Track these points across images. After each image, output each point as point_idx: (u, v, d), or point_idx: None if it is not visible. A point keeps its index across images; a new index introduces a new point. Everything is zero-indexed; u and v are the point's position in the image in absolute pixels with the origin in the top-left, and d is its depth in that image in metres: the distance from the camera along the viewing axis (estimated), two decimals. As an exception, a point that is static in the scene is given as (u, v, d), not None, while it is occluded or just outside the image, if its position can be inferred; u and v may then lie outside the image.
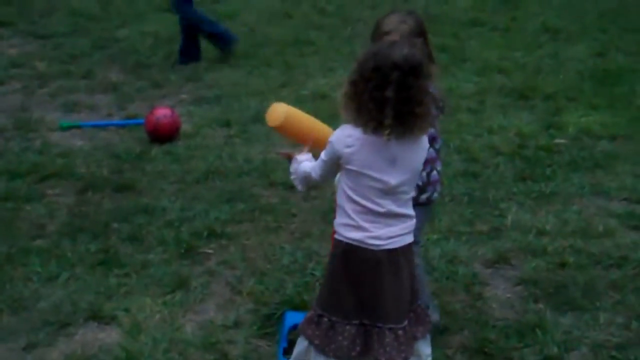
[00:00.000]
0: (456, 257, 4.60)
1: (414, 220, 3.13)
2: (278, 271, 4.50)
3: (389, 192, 3.00)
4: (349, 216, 3.04)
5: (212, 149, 6.43)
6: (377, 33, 3.53)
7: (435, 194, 3.69)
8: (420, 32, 3.52)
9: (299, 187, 3.33)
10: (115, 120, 7.26)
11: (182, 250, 4.71)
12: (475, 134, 6.64)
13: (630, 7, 12.17)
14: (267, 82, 8.47)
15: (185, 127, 6.85)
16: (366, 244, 3.02)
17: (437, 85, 3.51)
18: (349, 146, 2.94)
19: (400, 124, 2.87)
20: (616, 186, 5.65)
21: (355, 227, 3.03)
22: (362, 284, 3.06)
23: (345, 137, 2.96)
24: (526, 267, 4.54)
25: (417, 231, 3.70)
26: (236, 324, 3.98)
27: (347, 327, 3.09)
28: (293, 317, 3.75)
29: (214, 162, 6.07)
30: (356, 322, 3.09)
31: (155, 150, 6.34)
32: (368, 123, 2.88)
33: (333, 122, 7.14)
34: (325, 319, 3.12)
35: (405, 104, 2.85)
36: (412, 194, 3.11)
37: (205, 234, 4.89)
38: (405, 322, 3.11)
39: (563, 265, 4.53)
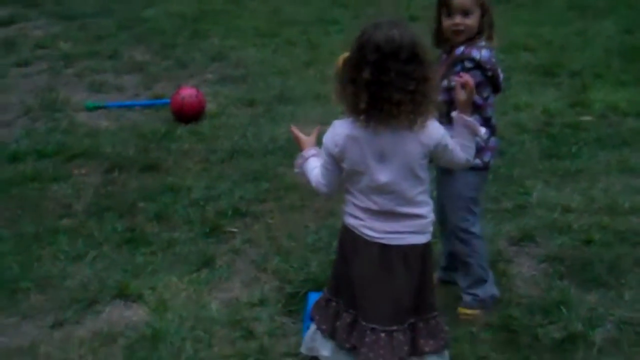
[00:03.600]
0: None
1: (428, 220, 2.97)
2: (302, 249, 4.51)
3: (383, 190, 2.87)
4: (349, 205, 2.98)
5: (237, 128, 6.45)
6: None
7: (478, 161, 3.61)
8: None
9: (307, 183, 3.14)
10: (141, 100, 7.29)
11: (208, 229, 4.73)
12: (501, 112, 6.58)
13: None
14: (291, 61, 8.47)
15: (211, 106, 6.87)
16: (360, 231, 2.94)
17: (493, 59, 3.54)
18: (337, 145, 2.85)
19: (377, 109, 2.73)
20: (643, 163, 5.61)
21: (352, 216, 2.97)
22: (353, 273, 2.99)
23: (334, 135, 2.86)
24: (551, 244, 4.52)
25: (469, 200, 3.74)
26: (261, 302, 4.00)
27: (345, 314, 3.04)
28: (316, 298, 3.77)
29: (238, 142, 6.09)
30: (352, 311, 3.03)
31: (181, 129, 6.37)
32: (348, 108, 2.78)
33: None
34: (333, 303, 3.09)
35: (383, 88, 2.70)
36: (421, 190, 2.95)
37: (230, 212, 4.91)
38: (395, 327, 2.96)
39: (588, 242, 4.50)
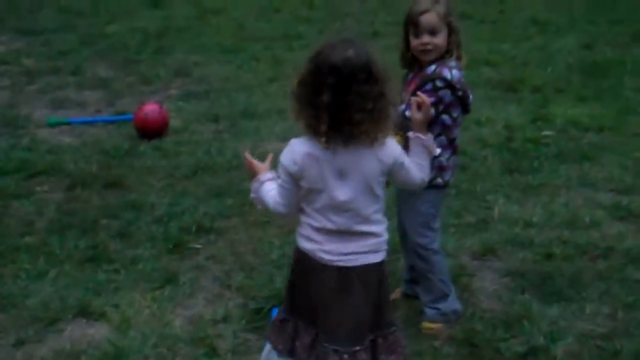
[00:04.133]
0: (444, 249, 4.56)
1: (382, 239, 2.94)
2: (267, 265, 4.51)
3: (341, 208, 2.84)
4: (304, 227, 2.95)
5: (200, 144, 6.44)
6: (411, 17, 3.56)
7: (439, 180, 3.69)
8: (449, 14, 3.57)
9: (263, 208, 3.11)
10: (104, 116, 7.26)
11: (171, 246, 4.71)
12: (463, 127, 6.49)
13: (617, 0, 12.22)
14: (256, 77, 8.50)
15: (174, 122, 6.86)
16: (316, 255, 2.91)
17: (462, 79, 3.58)
18: (296, 163, 2.80)
19: (338, 131, 2.72)
20: (603, 177, 5.68)
21: (308, 239, 2.93)
22: (311, 296, 2.96)
23: (292, 153, 2.82)
24: (513, 258, 4.56)
25: (428, 217, 3.77)
26: (225, 319, 3.99)
27: (304, 333, 3.01)
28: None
29: (202, 158, 6.09)
30: (312, 330, 3.00)
31: (144, 146, 6.35)
32: (306, 129, 2.76)
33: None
34: (290, 323, 3.06)
35: (343, 110, 2.68)
36: (377, 209, 2.92)
37: (193, 229, 4.90)
38: (358, 347, 2.92)
39: (550, 256, 4.55)
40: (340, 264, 2.89)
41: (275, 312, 3.69)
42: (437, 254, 3.86)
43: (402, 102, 3.70)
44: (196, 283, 4.35)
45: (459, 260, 4.55)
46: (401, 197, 3.86)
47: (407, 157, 2.99)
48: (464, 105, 3.67)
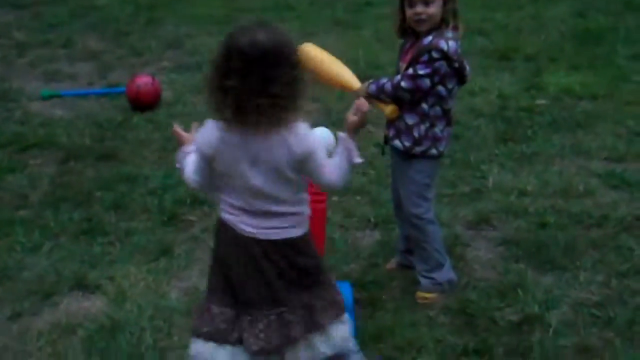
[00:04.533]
0: (438, 219, 4.56)
1: (304, 215, 2.92)
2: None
3: (257, 193, 2.80)
4: (223, 203, 2.91)
5: (193, 116, 6.33)
6: None
7: (434, 150, 3.71)
8: None
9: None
10: (96, 89, 7.23)
11: (166, 218, 4.72)
12: (457, 97, 6.62)
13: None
14: (248, 48, 8.42)
15: (167, 94, 6.84)
16: (237, 227, 2.86)
17: (459, 50, 3.58)
18: (210, 146, 2.76)
19: (244, 117, 2.65)
20: (596, 146, 5.68)
21: (228, 212, 2.88)
22: (232, 267, 2.91)
23: (207, 136, 2.77)
24: (507, 227, 4.58)
25: (422, 187, 3.78)
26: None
27: (224, 309, 2.94)
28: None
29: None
30: (231, 304, 2.94)
31: (137, 118, 6.33)
32: (214, 114, 2.70)
33: (315, 87, 7.14)
34: (214, 307, 2.97)
35: (248, 94, 2.62)
36: (295, 190, 2.87)
37: (188, 201, 4.90)
38: (283, 309, 2.90)
39: (544, 225, 4.56)
40: (262, 236, 2.85)
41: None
42: (432, 224, 3.87)
43: (397, 72, 3.71)
44: (191, 255, 4.36)
45: (454, 230, 4.56)
46: (396, 167, 3.87)
47: (323, 155, 2.87)
48: (460, 76, 3.67)
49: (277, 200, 2.82)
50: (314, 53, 3.69)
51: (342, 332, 3.02)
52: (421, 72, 3.54)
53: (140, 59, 8.14)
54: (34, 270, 4.18)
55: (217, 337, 2.93)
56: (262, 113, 2.63)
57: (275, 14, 9.86)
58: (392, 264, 4.14)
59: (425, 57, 3.52)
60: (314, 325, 2.97)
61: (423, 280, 3.90)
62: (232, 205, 2.87)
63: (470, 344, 3.55)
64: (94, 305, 3.91)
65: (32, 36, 8.96)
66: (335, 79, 3.75)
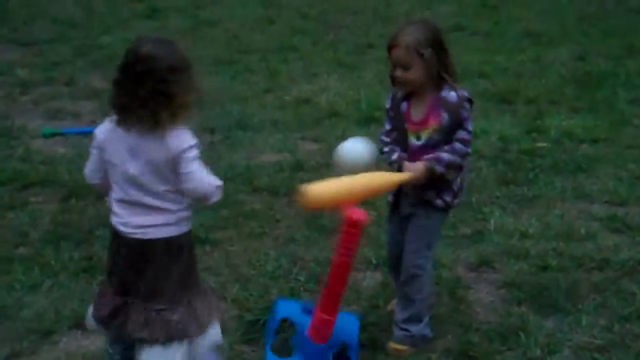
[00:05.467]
0: (439, 261, 4.60)
1: (179, 215, 3.21)
2: (262, 277, 4.50)
3: (133, 181, 3.13)
4: (111, 202, 3.25)
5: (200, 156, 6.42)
6: (388, 44, 3.57)
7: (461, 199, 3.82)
8: (430, 43, 3.52)
9: None
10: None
11: (166, 257, 4.69)
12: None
13: (610, 12, 12.28)
14: (250, 88, 8.49)
15: (169, 133, 6.84)
16: (118, 229, 3.21)
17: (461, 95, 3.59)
18: (102, 134, 3.18)
19: (121, 112, 3.07)
20: (598, 189, 5.69)
21: (113, 213, 3.24)
22: (118, 263, 3.26)
23: (102, 127, 3.20)
24: (509, 270, 4.56)
25: (434, 237, 3.85)
26: (220, 330, 3.97)
27: (113, 295, 3.27)
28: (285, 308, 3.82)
29: (197, 169, 6.06)
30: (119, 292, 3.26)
31: (139, 157, 6.32)
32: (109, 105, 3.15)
33: (317, 127, 7.19)
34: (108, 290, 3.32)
35: (124, 93, 3.04)
36: (169, 189, 3.15)
37: (189, 240, 4.88)
38: (162, 306, 3.21)
39: (545, 268, 4.56)
40: (140, 236, 3.17)
41: (271, 322, 3.69)
42: (430, 278, 3.89)
43: (403, 132, 3.69)
44: (191, 295, 4.33)
45: (455, 272, 4.55)
46: (410, 218, 3.82)
47: (198, 163, 3.18)
48: None
49: (150, 191, 3.14)
50: (336, 190, 3.44)
51: (217, 332, 3.41)
52: (471, 128, 3.60)
53: (142, 98, 8.15)
54: (33, 309, 4.16)
55: (105, 321, 3.28)
56: (125, 111, 3.06)
57: (279, 54, 9.93)
58: (393, 305, 4.11)
59: (465, 114, 3.56)
60: (196, 324, 3.27)
61: (397, 332, 3.84)
62: (115, 201, 3.22)
63: (472, 387, 3.53)
64: (93, 343, 3.88)
65: (35, 74, 9.00)
66: (381, 189, 3.68)
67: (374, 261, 4.66)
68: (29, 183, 5.81)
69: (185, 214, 3.24)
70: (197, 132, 6.80)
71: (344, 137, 5.99)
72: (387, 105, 3.80)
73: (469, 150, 3.64)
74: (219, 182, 3.27)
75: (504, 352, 3.78)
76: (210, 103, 7.85)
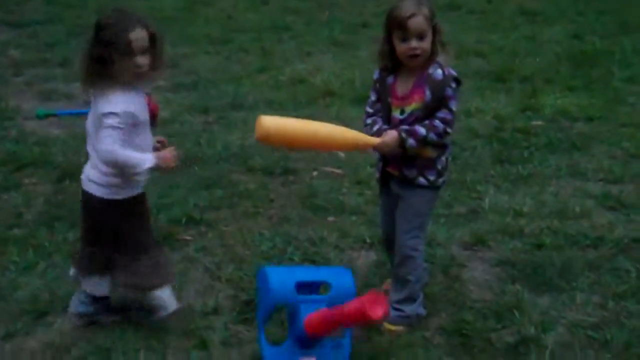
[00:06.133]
0: (434, 240, 4.61)
1: (108, 180, 3.52)
2: (257, 257, 4.50)
3: (87, 131, 3.57)
4: None
5: (190, 135, 6.42)
6: (397, 21, 3.52)
7: (446, 179, 3.81)
8: (433, 16, 3.56)
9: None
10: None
11: (161, 237, 4.68)
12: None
13: (606, -11, 12.24)
14: (244, 68, 8.47)
15: (163, 113, 6.81)
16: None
17: (447, 74, 3.57)
18: None
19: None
20: (593, 167, 5.69)
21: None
22: None
23: None
24: (503, 248, 4.57)
25: (425, 217, 3.81)
26: (215, 310, 3.98)
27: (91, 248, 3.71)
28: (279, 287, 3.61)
29: (192, 149, 6.06)
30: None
31: (133, 137, 6.30)
32: None
33: (312, 106, 7.17)
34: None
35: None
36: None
37: (183, 220, 4.88)
38: (93, 249, 3.68)
39: (540, 246, 4.56)
40: (82, 185, 3.63)
41: (264, 301, 3.68)
42: (422, 258, 3.88)
43: (388, 109, 3.69)
44: (186, 275, 4.33)
45: (450, 251, 4.55)
46: (396, 202, 3.82)
47: (113, 124, 3.39)
48: None
49: (92, 145, 3.52)
50: (289, 127, 3.54)
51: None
52: (455, 108, 3.57)
53: (136, 79, 8.11)
54: (28, 290, 4.15)
55: (84, 270, 3.75)
56: (84, 70, 3.41)
57: (272, 34, 9.91)
58: (388, 284, 4.11)
59: (449, 92, 3.54)
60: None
61: (392, 312, 3.82)
62: None
63: (466, 365, 3.54)
64: (88, 325, 3.88)
65: (28, 55, 8.97)
66: (341, 144, 3.72)
67: (368, 240, 4.65)
68: (23, 164, 5.78)
69: (115, 180, 3.52)
70: (191, 112, 6.86)
71: (338, 117, 6.07)
72: (375, 77, 3.80)
73: (449, 129, 3.57)
74: (119, 156, 3.42)
75: (499, 330, 3.78)
76: (204, 83, 7.86)
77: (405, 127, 3.58)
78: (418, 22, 3.50)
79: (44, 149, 6.09)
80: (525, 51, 8.93)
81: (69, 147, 6.10)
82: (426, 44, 3.52)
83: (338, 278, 3.50)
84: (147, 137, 3.64)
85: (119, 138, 3.39)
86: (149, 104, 6.51)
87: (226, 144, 6.15)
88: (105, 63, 3.36)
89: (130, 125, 3.45)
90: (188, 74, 8.28)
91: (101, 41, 3.37)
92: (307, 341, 3.38)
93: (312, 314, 3.31)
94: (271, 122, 3.44)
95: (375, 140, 3.60)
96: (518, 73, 7.99)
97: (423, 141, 3.55)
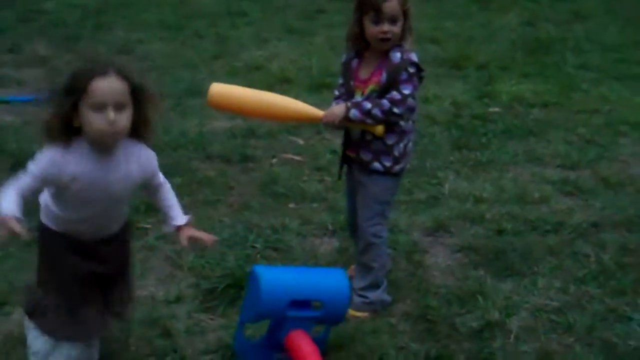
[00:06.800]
0: (396, 226, 4.60)
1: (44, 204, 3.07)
2: (218, 244, 4.42)
3: None
4: None
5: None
6: (370, 3, 3.51)
7: (405, 166, 3.78)
8: (406, 1, 3.57)
9: None
10: (46, 94, 7.07)
11: (120, 226, 4.62)
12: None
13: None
14: (199, 54, 8.39)
15: (118, 100, 6.72)
16: None
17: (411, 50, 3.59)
18: None
19: None
20: (550, 153, 5.75)
21: None
22: None
23: None
24: (465, 234, 4.58)
25: (385, 205, 3.79)
26: (178, 299, 3.93)
27: None
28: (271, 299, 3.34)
29: (148, 136, 5.97)
30: None
31: (88, 124, 6.20)
32: None
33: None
34: None
35: None
36: None
37: (142, 208, 4.80)
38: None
39: (501, 231, 4.59)
40: None
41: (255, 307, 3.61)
42: (385, 244, 3.87)
43: (349, 92, 3.69)
44: (147, 263, 4.28)
45: (411, 237, 4.55)
46: (357, 187, 3.82)
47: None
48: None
49: None
50: (238, 93, 3.69)
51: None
52: (407, 92, 3.54)
53: (90, 65, 7.98)
54: (-16, 280, 4.07)
55: None
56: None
57: (227, 19, 9.83)
58: (352, 270, 4.10)
59: (404, 76, 3.53)
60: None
61: (356, 299, 3.81)
62: None
63: (432, 350, 3.53)
64: (47, 315, 3.81)
65: (-23, 41, 8.79)
66: (290, 114, 3.76)
67: (331, 227, 4.64)
68: (-26, 152, 5.66)
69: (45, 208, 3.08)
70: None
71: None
72: (342, 60, 3.81)
73: (396, 110, 3.53)
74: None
75: (463, 315, 3.79)
76: (159, 69, 7.76)
77: (353, 100, 3.62)
78: (392, 5, 3.50)
79: (-3, 136, 5.96)
80: (480, 38, 8.99)
81: (22, 135, 5.97)
82: (397, 28, 3.53)
83: (333, 294, 3.37)
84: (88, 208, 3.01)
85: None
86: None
87: (183, 131, 6.09)
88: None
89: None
90: (142, 60, 8.16)
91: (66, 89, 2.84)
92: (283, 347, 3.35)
93: (296, 336, 3.27)
94: (220, 87, 3.65)
95: (321, 113, 3.66)
96: (474, 60, 8.04)
97: (367, 114, 3.55)
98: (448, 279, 4.14)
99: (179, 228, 3.20)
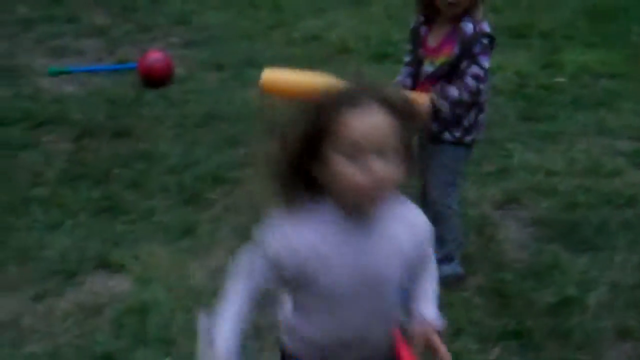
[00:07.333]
0: (465, 199, 4.49)
1: None
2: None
3: None
4: None
5: (207, 92, 6.30)
6: None
7: (477, 136, 3.66)
8: None
9: None
10: (106, 64, 7.09)
11: (187, 197, 4.60)
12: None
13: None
14: (256, 24, 8.31)
15: (179, 70, 6.70)
16: None
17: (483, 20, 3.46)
18: None
19: None
20: (620, 124, 5.59)
21: None
22: None
23: None
24: (537, 207, 4.48)
25: (456, 174, 3.71)
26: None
27: None
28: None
29: (212, 106, 5.95)
30: None
31: (150, 94, 6.20)
32: None
33: (329, 63, 7.04)
34: None
35: None
36: None
37: (209, 179, 4.78)
38: None
39: (574, 205, 4.47)
40: None
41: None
42: (457, 215, 3.79)
43: (419, 61, 3.58)
44: (214, 235, 4.25)
45: (482, 210, 4.46)
46: (427, 155, 3.73)
47: None
48: None
49: None
50: (291, 76, 3.54)
51: None
52: (486, 64, 3.44)
53: (148, 35, 7.98)
54: (56, 249, 4.07)
55: None
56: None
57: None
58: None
59: (479, 48, 3.41)
60: None
61: None
62: None
63: (508, 326, 3.47)
64: (120, 285, 3.81)
65: (36, 11, 8.78)
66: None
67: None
68: (39, 122, 5.66)
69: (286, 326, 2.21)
70: (205, 69, 6.72)
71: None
72: (411, 26, 3.70)
73: (481, 87, 3.45)
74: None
75: (539, 290, 3.71)
76: (216, 40, 7.72)
77: (437, 89, 3.47)
78: None
79: (61, 106, 5.97)
80: (541, 6, 8.77)
81: (86, 105, 5.99)
82: None
83: None
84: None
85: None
86: (165, 61, 6.45)
87: (245, 101, 6.03)
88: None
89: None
90: (200, 30, 8.12)
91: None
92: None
93: None
94: (269, 73, 3.62)
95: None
96: (536, 29, 7.85)
97: (455, 104, 3.45)
98: (521, 253, 4.06)
99: (420, 323, 2.22)
